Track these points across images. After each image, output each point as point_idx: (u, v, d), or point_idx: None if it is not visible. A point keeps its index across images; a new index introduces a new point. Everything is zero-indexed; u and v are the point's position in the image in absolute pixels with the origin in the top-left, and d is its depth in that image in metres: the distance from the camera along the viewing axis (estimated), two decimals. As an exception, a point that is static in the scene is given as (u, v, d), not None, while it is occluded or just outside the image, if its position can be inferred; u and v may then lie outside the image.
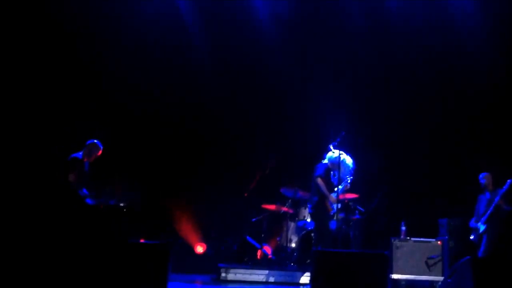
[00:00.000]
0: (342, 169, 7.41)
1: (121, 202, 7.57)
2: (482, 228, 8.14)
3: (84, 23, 9.75)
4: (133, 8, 9.98)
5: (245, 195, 9.88)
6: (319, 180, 7.29)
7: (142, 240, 6.31)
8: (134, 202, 7.90)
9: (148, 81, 10.24)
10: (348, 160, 7.51)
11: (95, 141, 7.80)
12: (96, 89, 9.90)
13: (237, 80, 10.63)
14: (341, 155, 7.43)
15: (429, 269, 8.16)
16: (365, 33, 10.18)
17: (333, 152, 7.56)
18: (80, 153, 7.68)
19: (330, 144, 7.62)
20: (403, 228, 8.47)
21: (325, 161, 7.73)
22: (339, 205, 7.43)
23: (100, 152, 7.80)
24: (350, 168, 7.52)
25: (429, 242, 8.31)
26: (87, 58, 9.80)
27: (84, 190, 7.49)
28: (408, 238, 8.34)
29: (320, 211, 7.36)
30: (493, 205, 8.06)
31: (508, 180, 8.01)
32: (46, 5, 9.49)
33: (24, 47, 9.35)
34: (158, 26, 10.11)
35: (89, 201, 7.45)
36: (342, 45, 10.32)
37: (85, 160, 7.69)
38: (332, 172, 7.56)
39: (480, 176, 8.43)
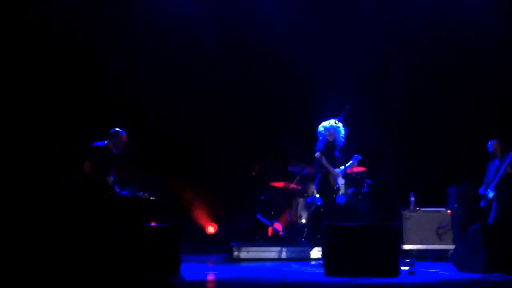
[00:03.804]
0: (336, 135, 7.38)
1: (146, 193, 7.51)
2: (491, 194, 8.09)
3: (84, 18, 9.67)
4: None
5: (253, 174, 9.94)
6: (319, 155, 7.25)
7: (153, 223, 6.36)
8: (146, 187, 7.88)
9: (151, 70, 10.23)
10: (340, 125, 7.44)
11: (117, 129, 7.58)
12: (95, 82, 9.88)
13: (243, 61, 10.58)
14: (333, 122, 7.38)
15: (439, 238, 8.20)
16: (372, 11, 10.16)
17: (324, 124, 7.49)
18: (104, 142, 7.57)
19: (335, 118, 7.56)
20: (412, 198, 8.49)
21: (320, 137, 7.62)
22: (344, 180, 7.42)
23: (125, 138, 7.64)
24: (342, 134, 7.45)
25: (439, 211, 8.35)
26: (86, 53, 9.78)
27: (112, 178, 7.43)
28: (418, 208, 8.37)
29: (325, 186, 7.34)
30: (500, 171, 8.02)
31: None
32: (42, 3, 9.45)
33: (22, 46, 9.35)
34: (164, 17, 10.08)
35: (120, 191, 7.41)
36: (346, 23, 10.25)
37: (112, 149, 7.57)
38: (334, 146, 7.48)
39: (489, 143, 8.35)
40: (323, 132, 7.43)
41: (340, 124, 7.43)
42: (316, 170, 7.42)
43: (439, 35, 10.25)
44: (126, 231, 5.67)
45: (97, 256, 5.45)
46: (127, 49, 9.98)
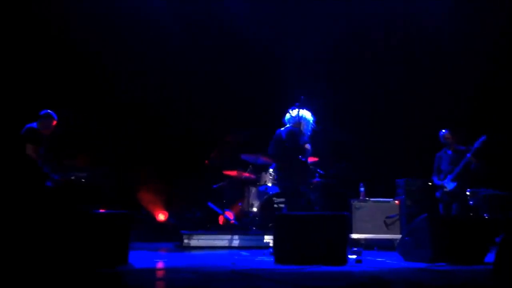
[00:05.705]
0: (304, 124, 7.29)
1: (81, 175, 7.39)
2: (451, 185, 8.16)
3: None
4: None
5: (206, 162, 9.89)
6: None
7: (102, 210, 6.23)
8: (95, 174, 7.75)
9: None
10: (308, 115, 7.36)
11: (49, 111, 7.46)
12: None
13: (199, 50, 10.50)
14: (300, 111, 7.28)
15: (387, 228, 8.37)
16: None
17: (291, 112, 7.38)
18: (35, 123, 7.38)
19: (289, 109, 7.53)
20: (362, 189, 8.63)
21: (287, 125, 7.51)
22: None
23: (55, 122, 7.47)
24: (311, 123, 7.37)
25: (387, 202, 8.52)
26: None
27: (39, 162, 7.27)
28: (367, 198, 8.52)
29: (305, 176, 7.17)
30: (463, 161, 8.02)
31: (482, 136, 7.93)
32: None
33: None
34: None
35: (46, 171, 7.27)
36: (309, 16, 10.31)
37: (40, 132, 7.39)
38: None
39: (441, 133, 8.40)
40: (290, 119, 7.32)
41: (310, 116, 7.32)
42: (290, 158, 7.17)
43: (393, 30, 10.45)
44: (68, 218, 5.48)
45: (38, 244, 5.21)
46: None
